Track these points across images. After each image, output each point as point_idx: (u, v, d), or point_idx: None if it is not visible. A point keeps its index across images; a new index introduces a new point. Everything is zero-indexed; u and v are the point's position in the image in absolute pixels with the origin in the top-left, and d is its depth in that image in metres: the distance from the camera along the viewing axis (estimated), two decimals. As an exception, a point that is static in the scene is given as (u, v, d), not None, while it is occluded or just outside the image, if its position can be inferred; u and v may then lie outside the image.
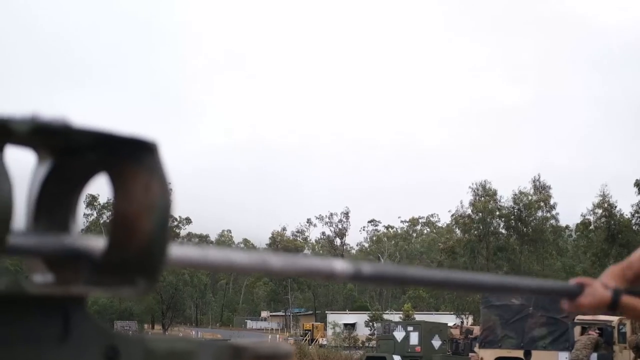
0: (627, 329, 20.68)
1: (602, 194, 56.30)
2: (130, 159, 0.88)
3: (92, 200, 68.37)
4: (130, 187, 0.88)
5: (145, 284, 0.89)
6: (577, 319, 20.83)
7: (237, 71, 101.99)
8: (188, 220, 66.30)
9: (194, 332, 58.44)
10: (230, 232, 76.88)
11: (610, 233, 53.67)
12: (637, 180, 41.94)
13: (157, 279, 0.91)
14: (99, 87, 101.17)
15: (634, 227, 54.52)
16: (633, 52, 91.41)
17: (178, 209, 65.41)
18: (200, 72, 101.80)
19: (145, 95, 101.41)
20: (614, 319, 21.15)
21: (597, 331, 20.16)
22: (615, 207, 55.92)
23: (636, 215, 54.23)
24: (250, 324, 56.23)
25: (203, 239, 70.93)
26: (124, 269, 0.88)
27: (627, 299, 3.47)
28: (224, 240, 75.07)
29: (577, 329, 20.20)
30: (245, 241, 74.52)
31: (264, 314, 65.84)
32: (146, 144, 0.87)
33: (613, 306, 3.41)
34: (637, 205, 52.76)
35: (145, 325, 64.31)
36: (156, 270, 0.89)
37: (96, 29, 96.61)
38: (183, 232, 67.62)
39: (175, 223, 65.48)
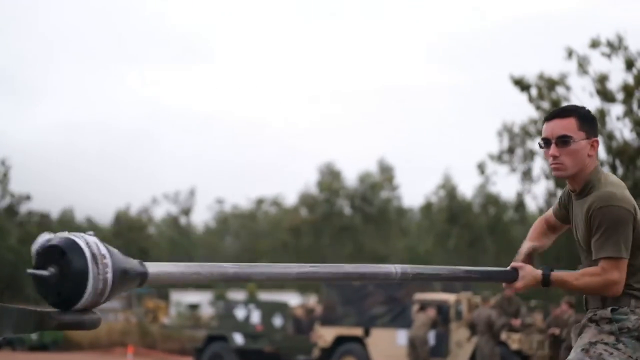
0: (464, 307, 21.16)
1: (444, 175, 57.59)
2: None
3: None
4: None
5: None
6: (415, 298, 21.19)
7: (72, 52, 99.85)
8: (28, 197, 64.46)
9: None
10: (72, 212, 75.20)
11: (451, 214, 54.85)
12: (478, 162, 42.86)
13: None
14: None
15: (474, 208, 55.93)
16: (474, 38, 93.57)
17: (16, 185, 63.50)
18: (39, 52, 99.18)
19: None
20: (451, 297, 21.62)
21: (434, 309, 20.56)
22: (457, 188, 57.27)
23: (477, 197, 55.65)
24: (92, 303, 55.34)
25: (45, 217, 69.18)
26: None
27: (556, 274, 3.99)
28: (66, 220, 73.47)
29: (415, 307, 20.56)
30: (88, 220, 73.12)
31: (106, 292, 64.84)
32: None
33: (546, 283, 4.01)
34: (478, 187, 54.13)
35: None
36: None
37: None
38: (23, 209, 65.76)
39: (15, 199, 63.64)
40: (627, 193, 4.00)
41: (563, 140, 4.02)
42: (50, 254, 2.49)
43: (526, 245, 4.33)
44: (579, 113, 4.08)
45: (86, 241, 2.46)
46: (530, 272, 4.03)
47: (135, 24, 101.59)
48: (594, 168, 4.07)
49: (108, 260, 2.45)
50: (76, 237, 2.47)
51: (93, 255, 2.43)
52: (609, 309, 3.96)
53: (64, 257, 2.44)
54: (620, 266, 3.90)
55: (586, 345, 3.96)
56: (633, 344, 3.94)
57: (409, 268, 3.68)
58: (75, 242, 2.45)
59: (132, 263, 2.53)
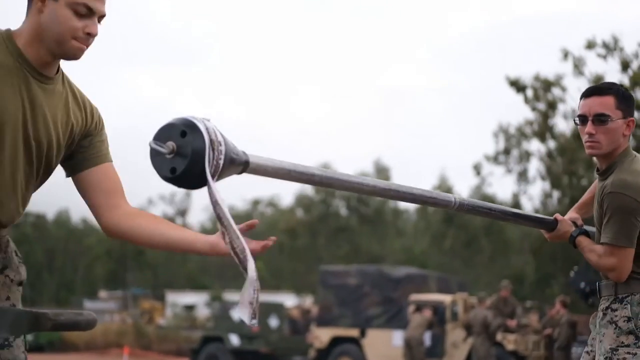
0: (460, 308, 21.18)
1: (440, 176, 57.66)
2: None
3: None
4: None
5: None
6: (411, 299, 21.21)
7: None
8: (24, 198, 64.38)
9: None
10: (68, 212, 75.18)
11: (447, 215, 54.87)
12: (474, 163, 42.90)
13: None
14: None
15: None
16: (470, 40, 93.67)
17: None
18: None
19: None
20: (447, 298, 21.63)
21: (430, 310, 20.57)
22: (453, 189, 57.27)
23: (473, 198, 55.69)
24: (88, 304, 55.20)
25: (40, 218, 69.13)
26: None
27: (580, 239, 4.12)
28: (62, 221, 73.48)
29: (411, 308, 20.57)
30: (84, 221, 73.06)
31: (102, 293, 64.73)
32: None
33: (571, 241, 4.14)
34: (474, 188, 54.17)
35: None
36: None
37: None
38: None
39: None
40: None
41: (600, 119, 3.98)
42: (171, 132, 2.56)
43: (571, 213, 4.40)
44: (618, 91, 4.04)
45: (206, 126, 2.54)
46: (564, 227, 4.16)
47: (129, 24, 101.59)
48: (623, 150, 4.05)
49: (223, 147, 2.56)
50: (197, 120, 2.55)
51: (211, 141, 2.53)
52: (628, 307, 3.92)
53: (184, 137, 2.53)
54: (617, 254, 3.90)
55: (608, 354, 3.92)
56: None
57: (467, 200, 3.74)
58: (197, 125, 2.53)
59: (239, 152, 2.63)
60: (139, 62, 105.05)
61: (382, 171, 59.65)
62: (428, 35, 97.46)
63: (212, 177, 2.55)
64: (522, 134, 37.07)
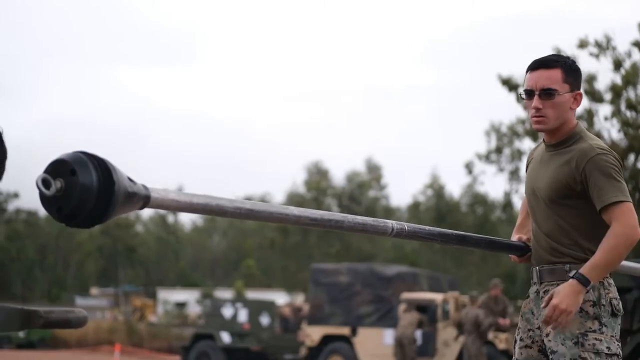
0: (451, 306, 21.18)
1: (432, 175, 57.61)
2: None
3: None
4: None
5: None
6: (402, 297, 21.21)
7: (59, 50, 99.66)
8: (16, 195, 64.24)
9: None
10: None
11: (439, 214, 54.88)
12: (466, 162, 42.91)
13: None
14: None
15: (462, 208, 55.98)
16: (462, 38, 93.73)
17: (4, 183, 63.33)
18: (27, 49, 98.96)
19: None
20: (438, 297, 21.64)
21: (420, 309, 20.57)
22: (444, 188, 57.30)
23: (465, 196, 55.70)
24: (79, 301, 55.14)
25: (32, 215, 68.99)
26: None
27: (585, 271, 3.76)
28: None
29: (402, 307, 20.56)
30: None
31: (94, 290, 64.64)
32: None
33: (582, 280, 3.75)
34: (466, 187, 54.19)
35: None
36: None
37: None
38: (10, 207, 65.53)
39: (2, 197, 63.43)
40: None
41: (547, 93, 3.87)
42: (60, 169, 2.52)
43: (515, 237, 4.24)
44: (565, 64, 3.92)
45: (96, 163, 2.52)
46: (569, 293, 3.73)
47: (123, 23, 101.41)
48: (578, 123, 3.96)
49: (116, 184, 2.51)
50: (87, 157, 2.51)
51: (101, 178, 2.50)
52: (591, 291, 3.79)
53: (73, 175, 2.49)
54: (629, 209, 3.74)
55: (576, 338, 3.79)
56: (610, 323, 3.83)
57: (406, 225, 3.63)
58: (87, 163, 2.49)
59: (137, 187, 2.57)
60: (138, 62, 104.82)
61: (373, 170, 59.63)
62: (420, 33, 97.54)
63: (106, 214, 2.50)
64: (514, 133, 37.09)
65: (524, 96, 3.95)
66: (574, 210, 3.87)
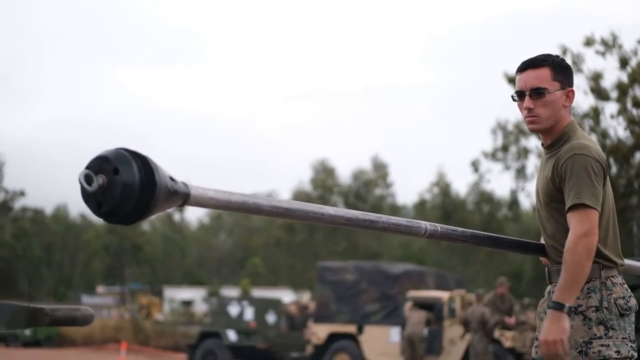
0: (457, 305, 21.16)
1: (438, 173, 57.60)
2: None
3: None
4: None
5: None
6: (409, 295, 21.19)
7: (64, 50, 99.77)
8: (22, 193, 64.33)
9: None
10: (66, 207, 75.01)
11: (445, 212, 54.85)
12: (472, 160, 42.93)
13: None
14: None
15: (468, 206, 55.94)
16: (468, 36, 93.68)
17: (10, 181, 63.36)
18: (32, 50, 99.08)
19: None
20: (445, 295, 21.63)
21: (426, 307, 20.55)
22: (451, 186, 57.29)
23: (471, 194, 55.66)
24: (86, 299, 55.22)
25: (39, 213, 69.08)
26: None
27: (560, 297, 3.66)
28: (60, 216, 73.31)
29: (408, 305, 20.54)
30: (82, 216, 72.97)
31: (100, 289, 64.71)
32: None
33: (568, 312, 3.69)
34: (472, 184, 54.15)
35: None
36: None
37: None
38: (17, 205, 65.62)
39: (9, 195, 63.52)
40: (600, 149, 3.85)
41: (537, 92, 3.86)
42: (103, 166, 2.53)
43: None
44: (553, 62, 3.91)
45: (140, 162, 2.53)
46: (550, 324, 3.67)
47: (126, 23, 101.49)
48: (571, 121, 3.93)
49: (157, 182, 2.52)
50: (130, 155, 2.51)
51: (144, 178, 2.51)
52: (593, 295, 3.76)
53: (116, 174, 2.49)
54: (588, 215, 3.66)
55: (580, 347, 3.75)
56: (620, 324, 3.77)
57: (439, 226, 3.63)
58: (130, 161, 2.49)
59: (178, 185, 2.58)
60: (140, 62, 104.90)
61: (379, 168, 59.63)
62: (426, 31, 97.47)
63: (146, 212, 2.51)
64: (520, 131, 37.11)
65: (516, 98, 3.95)
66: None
